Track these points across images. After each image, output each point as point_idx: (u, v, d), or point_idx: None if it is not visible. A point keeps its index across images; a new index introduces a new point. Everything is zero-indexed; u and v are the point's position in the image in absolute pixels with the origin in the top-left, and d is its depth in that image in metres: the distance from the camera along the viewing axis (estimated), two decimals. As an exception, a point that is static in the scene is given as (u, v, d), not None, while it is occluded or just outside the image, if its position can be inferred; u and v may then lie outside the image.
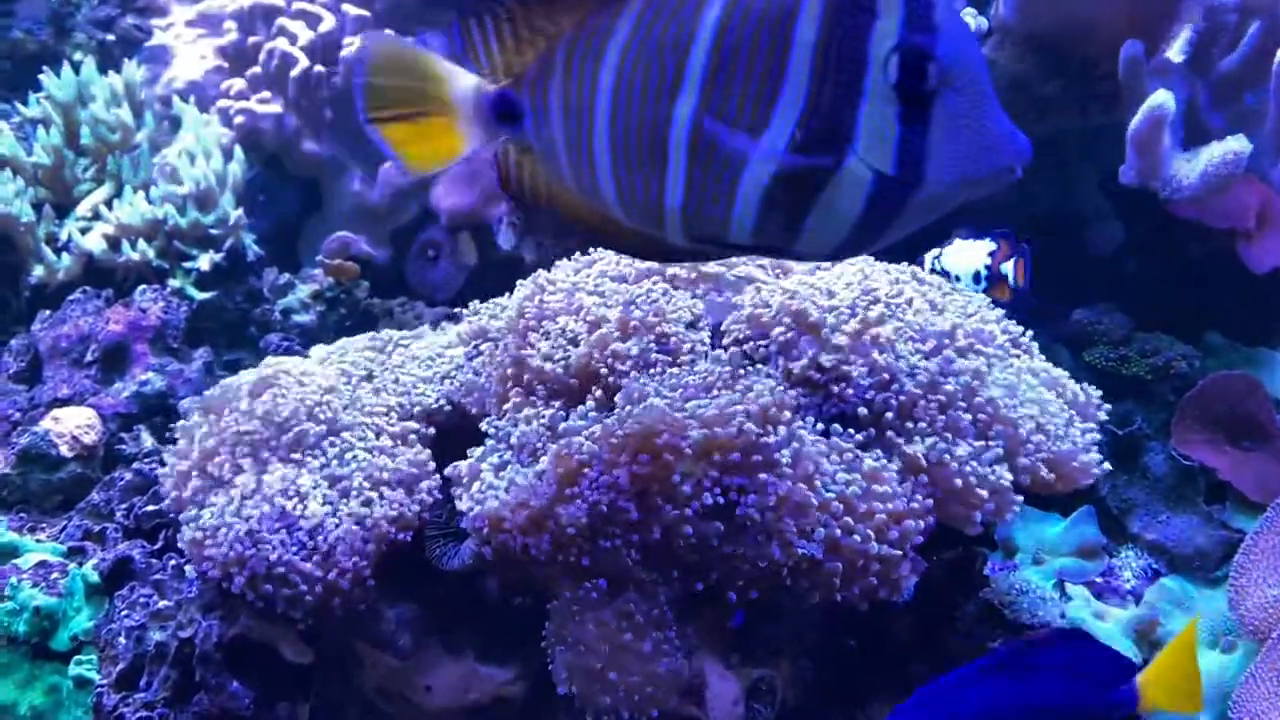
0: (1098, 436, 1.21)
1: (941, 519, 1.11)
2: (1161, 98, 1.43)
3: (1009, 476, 1.11)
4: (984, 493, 1.09)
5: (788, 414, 1.10)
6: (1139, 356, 1.59)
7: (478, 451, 1.20)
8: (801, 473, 1.07)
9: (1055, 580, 1.45)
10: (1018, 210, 1.79)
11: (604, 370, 1.18)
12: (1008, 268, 1.42)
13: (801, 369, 1.16)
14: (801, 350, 1.16)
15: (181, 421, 1.34)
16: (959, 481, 1.09)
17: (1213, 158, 1.40)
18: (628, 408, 1.11)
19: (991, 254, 1.44)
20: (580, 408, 1.18)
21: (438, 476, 1.24)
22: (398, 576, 1.20)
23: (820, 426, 1.13)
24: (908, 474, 1.10)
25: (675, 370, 1.17)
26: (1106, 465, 1.19)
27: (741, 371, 1.16)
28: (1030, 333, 1.29)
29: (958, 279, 1.45)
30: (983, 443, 1.12)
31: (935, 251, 1.51)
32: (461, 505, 1.17)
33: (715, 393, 1.12)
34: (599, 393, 1.18)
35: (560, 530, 1.08)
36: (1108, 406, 1.25)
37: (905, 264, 1.34)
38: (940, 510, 1.10)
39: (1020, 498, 1.12)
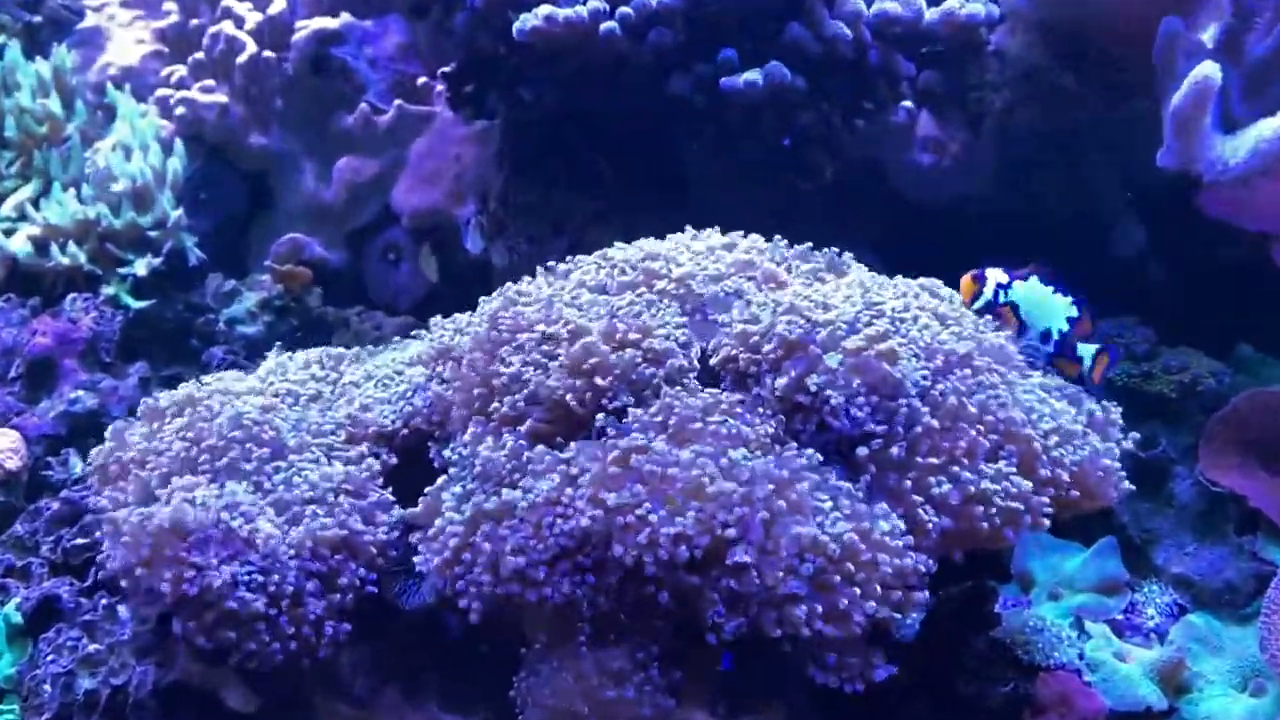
0: (1118, 450, 1.18)
1: (959, 546, 1.11)
2: (1208, 69, 1.34)
3: (1031, 496, 1.10)
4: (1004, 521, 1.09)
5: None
6: (1164, 373, 1.55)
7: (440, 481, 1.18)
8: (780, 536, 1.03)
9: (1072, 618, 1.39)
10: (1023, 214, 1.74)
11: (585, 397, 1.14)
12: (1087, 351, 1.30)
13: (791, 391, 1.11)
14: (793, 375, 1.12)
15: (107, 443, 1.33)
16: (985, 525, 1.08)
17: (1264, 132, 1.31)
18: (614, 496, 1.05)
19: (1072, 320, 1.30)
20: (574, 444, 1.12)
21: (396, 509, 1.22)
22: (354, 616, 1.18)
23: (819, 458, 1.09)
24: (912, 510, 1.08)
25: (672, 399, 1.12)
26: (1127, 483, 1.17)
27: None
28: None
29: (1022, 324, 1.31)
30: (1000, 465, 1.11)
31: (999, 275, 1.33)
32: (420, 554, 1.15)
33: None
34: (583, 418, 1.13)
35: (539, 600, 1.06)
36: (1133, 435, 1.23)
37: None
38: (958, 541, 1.09)
39: (1046, 521, 1.11)
